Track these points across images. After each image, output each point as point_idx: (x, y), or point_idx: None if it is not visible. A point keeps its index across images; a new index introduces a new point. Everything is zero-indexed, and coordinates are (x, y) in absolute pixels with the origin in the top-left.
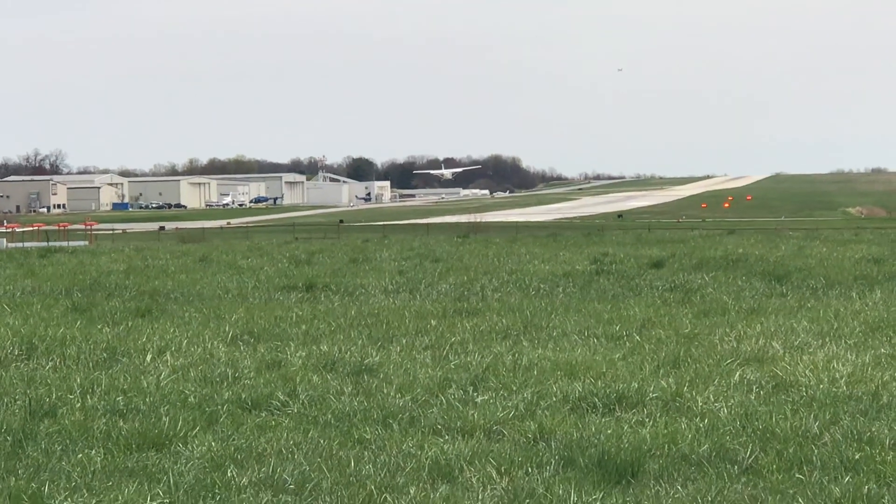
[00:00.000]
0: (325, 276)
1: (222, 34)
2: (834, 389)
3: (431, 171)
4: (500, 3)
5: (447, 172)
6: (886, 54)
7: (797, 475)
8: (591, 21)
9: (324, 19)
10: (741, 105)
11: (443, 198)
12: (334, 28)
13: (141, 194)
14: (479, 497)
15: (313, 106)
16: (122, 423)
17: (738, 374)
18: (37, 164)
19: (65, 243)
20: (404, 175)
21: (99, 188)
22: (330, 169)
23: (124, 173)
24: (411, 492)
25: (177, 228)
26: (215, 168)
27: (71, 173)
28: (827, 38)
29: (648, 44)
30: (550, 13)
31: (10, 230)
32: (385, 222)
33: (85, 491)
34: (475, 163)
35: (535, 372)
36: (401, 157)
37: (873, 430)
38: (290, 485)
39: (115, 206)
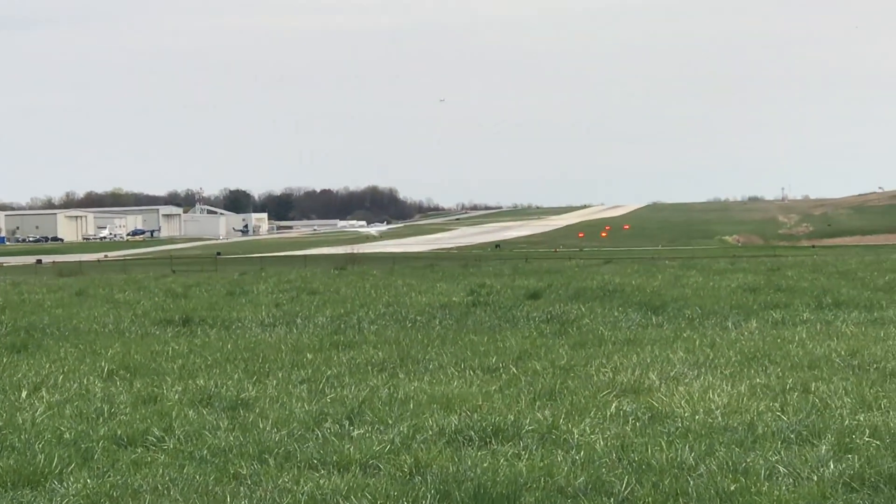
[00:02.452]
0: (202, 310)
1: (96, 66)
2: (710, 420)
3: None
4: (373, 34)
5: (372, 229)
6: (758, 83)
7: None
8: (463, 52)
9: (201, 51)
10: (616, 134)
11: (315, 229)
12: (212, 59)
13: (18, 227)
14: None
15: (190, 138)
16: None
17: (614, 405)
18: None
19: None
20: (281, 206)
21: None
22: (207, 201)
23: (0, 207)
24: None
25: (54, 262)
26: (92, 201)
27: None
28: (702, 65)
29: (524, 73)
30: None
31: None
32: (262, 254)
33: None
34: (353, 194)
35: (412, 405)
36: (277, 188)
37: (748, 460)
38: None
39: None
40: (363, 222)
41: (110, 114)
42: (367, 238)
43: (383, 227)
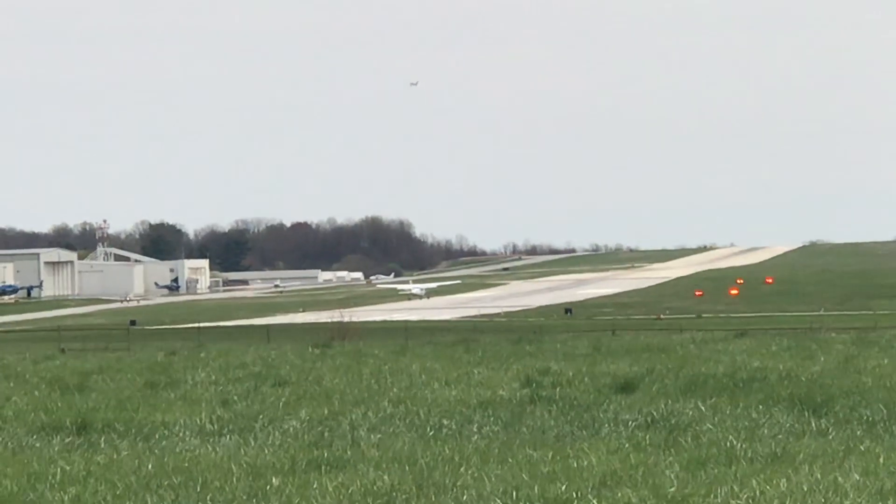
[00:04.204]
0: (108, 410)
1: None
2: None
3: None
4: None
5: (416, 288)
6: None
7: None
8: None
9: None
10: (751, 142)
11: (277, 285)
12: (117, 42)
13: None
14: None
15: (90, 147)
16: None
17: None
18: None
19: None
20: (231, 250)
21: None
22: (115, 241)
23: None
24: None
25: None
26: None
27: None
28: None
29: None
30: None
31: None
32: (202, 324)
33: None
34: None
35: None
36: (224, 222)
37: None
38: None
39: None
40: (358, 274)
41: None
42: (409, 300)
43: (431, 286)
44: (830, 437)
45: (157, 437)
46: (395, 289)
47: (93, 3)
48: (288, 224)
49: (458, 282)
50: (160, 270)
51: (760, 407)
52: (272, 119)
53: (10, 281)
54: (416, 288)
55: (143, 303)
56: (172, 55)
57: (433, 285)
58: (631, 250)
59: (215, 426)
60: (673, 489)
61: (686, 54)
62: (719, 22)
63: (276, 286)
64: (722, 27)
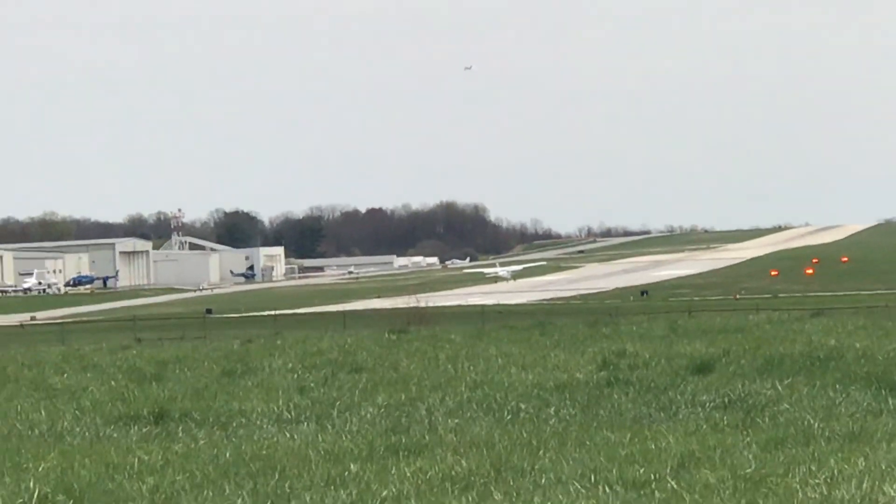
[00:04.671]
0: (185, 400)
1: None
2: None
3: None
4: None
5: (503, 271)
6: None
7: None
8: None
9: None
10: (823, 118)
11: (351, 271)
12: (206, 26)
13: None
14: None
15: (163, 138)
16: None
17: None
18: None
19: None
20: (306, 237)
21: None
22: (190, 230)
23: None
24: None
25: None
26: (10, 234)
27: None
28: None
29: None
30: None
31: None
32: (278, 311)
33: None
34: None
35: None
36: (298, 209)
37: None
38: None
39: None
40: (433, 259)
41: (38, 105)
42: (495, 283)
43: (517, 269)
44: None
45: (234, 425)
46: (482, 272)
47: None
48: (363, 210)
49: (543, 263)
50: (235, 259)
51: (837, 386)
52: (344, 105)
53: (85, 271)
54: (502, 271)
55: (217, 291)
56: (241, 42)
57: (518, 268)
58: (706, 231)
59: (292, 413)
60: (751, 469)
61: (753, 40)
62: (786, 3)
63: (351, 272)
64: (782, 9)
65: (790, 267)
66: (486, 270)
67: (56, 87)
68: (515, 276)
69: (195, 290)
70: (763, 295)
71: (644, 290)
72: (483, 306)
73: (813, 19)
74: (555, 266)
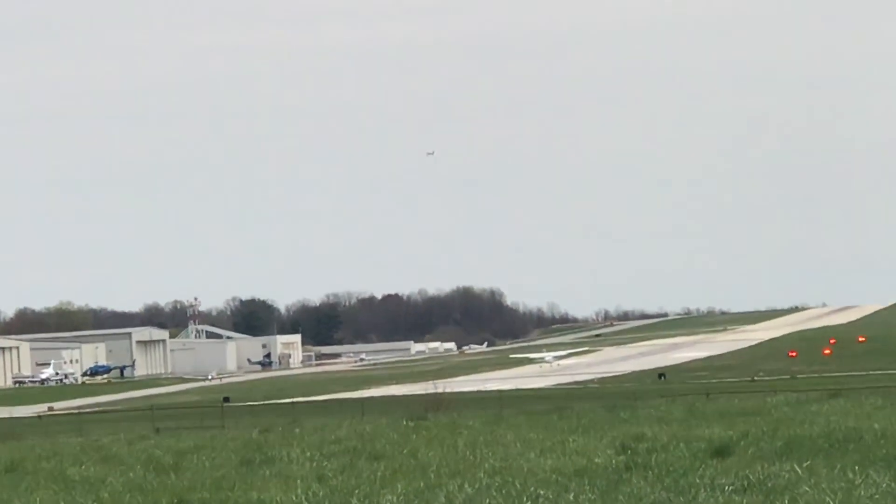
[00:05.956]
0: (204, 490)
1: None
2: None
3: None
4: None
5: (548, 356)
6: None
7: None
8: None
9: (196, 86)
10: (843, 196)
11: (362, 358)
12: (211, 115)
13: None
14: None
15: (177, 225)
16: None
17: None
18: None
19: None
20: (322, 324)
21: None
22: (206, 319)
23: None
24: None
25: None
26: (27, 324)
27: None
28: None
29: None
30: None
31: None
32: (295, 399)
33: None
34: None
35: None
36: (315, 296)
37: None
38: None
39: None
40: (451, 344)
41: (52, 195)
42: (540, 368)
43: (560, 353)
44: None
45: None
46: (527, 357)
47: (180, 83)
48: (379, 296)
49: (585, 348)
50: (252, 346)
51: (857, 467)
52: (359, 192)
53: (102, 361)
54: (548, 356)
55: (233, 379)
56: (251, 132)
57: (563, 353)
58: (723, 313)
59: (312, 502)
60: None
61: (774, 116)
62: (802, 81)
63: (361, 360)
64: (803, 86)
65: (807, 348)
66: (531, 355)
67: (70, 178)
68: (558, 359)
69: (205, 380)
70: (781, 376)
71: (662, 373)
72: (501, 391)
73: (831, 99)
74: (588, 349)
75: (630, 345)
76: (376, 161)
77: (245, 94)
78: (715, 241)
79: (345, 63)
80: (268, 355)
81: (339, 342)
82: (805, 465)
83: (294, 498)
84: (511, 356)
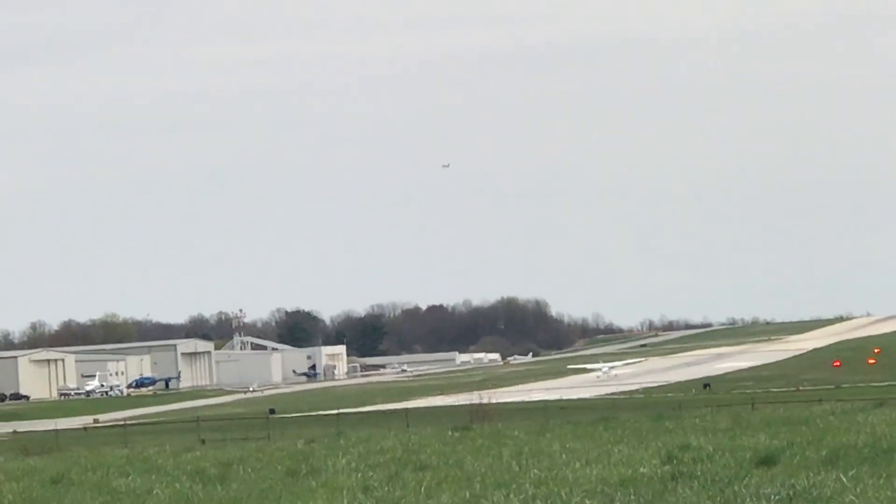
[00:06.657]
0: (249, 501)
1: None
2: None
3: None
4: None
5: (605, 367)
6: None
7: None
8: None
9: (240, 103)
10: (886, 213)
11: (404, 370)
12: (256, 126)
13: None
14: None
15: (224, 237)
16: None
17: None
18: None
19: None
20: (367, 335)
21: None
22: (251, 330)
23: None
24: None
25: (15, 432)
26: (72, 336)
27: None
28: None
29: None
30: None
31: None
32: (340, 410)
33: None
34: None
35: None
36: (360, 307)
37: None
38: None
39: None
40: (495, 355)
41: (96, 206)
42: (597, 377)
43: (616, 364)
44: None
45: None
46: (584, 367)
47: (219, 94)
48: (423, 307)
49: (643, 359)
50: (297, 358)
51: None
52: (404, 204)
53: (147, 373)
54: (605, 367)
55: (267, 392)
56: (302, 143)
57: (619, 363)
58: (767, 323)
59: None
60: None
61: (807, 124)
62: (827, 91)
63: (404, 370)
64: (830, 93)
65: (853, 357)
66: (588, 366)
67: (116, 190)
68: (613, 370)
69: (244, 393)
70: (826, 386)
71: (707, 383)
72: (546, 401)
73: (878, 115)
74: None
75: (675, 355)
76: (422, 173)
77: (292, 105)
78: (760, 251)
79: (391, 72)
80: (313, 367)
81: (384, 353)
82: (850, 474)
83: None
84: (568, 367)
